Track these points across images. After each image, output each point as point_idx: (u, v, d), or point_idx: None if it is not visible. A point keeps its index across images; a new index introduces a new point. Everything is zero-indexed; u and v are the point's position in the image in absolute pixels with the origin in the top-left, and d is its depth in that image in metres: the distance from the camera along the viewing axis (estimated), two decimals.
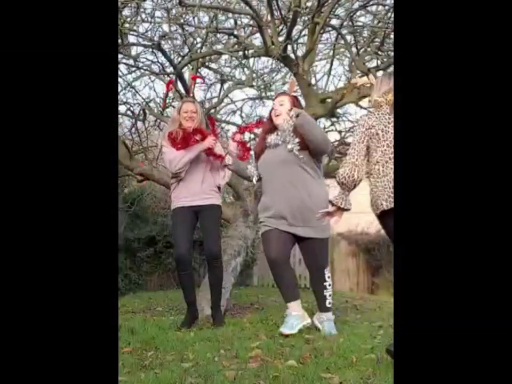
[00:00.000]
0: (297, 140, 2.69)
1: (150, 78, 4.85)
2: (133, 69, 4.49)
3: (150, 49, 4.10)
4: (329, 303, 2.87)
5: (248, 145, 3.13)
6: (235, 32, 4.03)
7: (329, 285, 2.87)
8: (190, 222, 3.06)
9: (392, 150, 2.02)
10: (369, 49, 4.05)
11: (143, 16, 3.89)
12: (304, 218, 2.74)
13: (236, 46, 4.13)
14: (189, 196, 3.03)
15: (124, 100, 4.86)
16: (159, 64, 4.37)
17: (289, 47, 3.28)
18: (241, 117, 5.58)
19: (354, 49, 3.98)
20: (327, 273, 2.86)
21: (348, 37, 3.97)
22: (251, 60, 4.65)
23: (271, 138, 2.83)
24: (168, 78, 4.54)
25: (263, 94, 5.09)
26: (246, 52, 3.79)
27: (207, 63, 4.73)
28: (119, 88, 4.58)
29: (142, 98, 4.86)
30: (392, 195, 1.99)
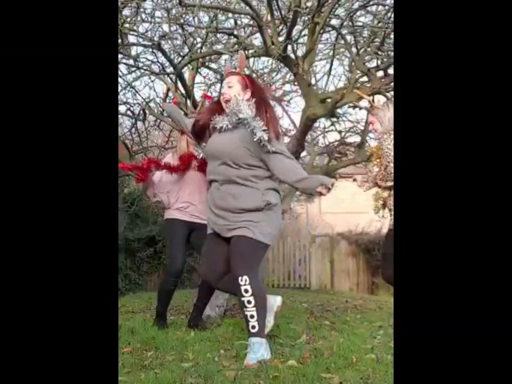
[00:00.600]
0: (262, 124, 2.24)
1: (150, 78, 4.85)
2: (133, 69, 4.50)
3: (150, 49, 4.10)
4: (253, 326, 2.15)
5: None
6: (235, 32, 4.03)
7: (249, 302, 2.14)
8: (186, 236, 3.07)
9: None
10: (369, 49, 4.04)
11: (143, 16, 3.90)
12: (226, 217, 2.30)
13: (236, 46, 4.13)
14: (189, 211, 3.02)
15: (124, 100, 4.87)
16: (159, 64, 4.37)
17: (289, 47, 3.28)
18: None
19: (354, 49, 3.98)
20: (244, 284, 2.15)
21: (348, 37, 3.97)
22: (251, 60, 4.66)
23: (219, 119, 2.37)
24: (168, 78, 4.55)
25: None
26: (246, 51, 3.79)
27: (207, 63, 4.73)
28: (119, 88, 4.59)
29: (142, 98, 4.87)
30: None
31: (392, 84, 3.43)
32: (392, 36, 3.77)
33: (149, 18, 3.88)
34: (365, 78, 4.06)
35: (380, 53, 3.99)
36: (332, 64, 4.45)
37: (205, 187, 2.94)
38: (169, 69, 4.34)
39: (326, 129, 5.54)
